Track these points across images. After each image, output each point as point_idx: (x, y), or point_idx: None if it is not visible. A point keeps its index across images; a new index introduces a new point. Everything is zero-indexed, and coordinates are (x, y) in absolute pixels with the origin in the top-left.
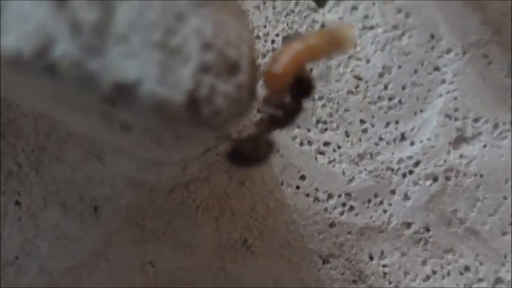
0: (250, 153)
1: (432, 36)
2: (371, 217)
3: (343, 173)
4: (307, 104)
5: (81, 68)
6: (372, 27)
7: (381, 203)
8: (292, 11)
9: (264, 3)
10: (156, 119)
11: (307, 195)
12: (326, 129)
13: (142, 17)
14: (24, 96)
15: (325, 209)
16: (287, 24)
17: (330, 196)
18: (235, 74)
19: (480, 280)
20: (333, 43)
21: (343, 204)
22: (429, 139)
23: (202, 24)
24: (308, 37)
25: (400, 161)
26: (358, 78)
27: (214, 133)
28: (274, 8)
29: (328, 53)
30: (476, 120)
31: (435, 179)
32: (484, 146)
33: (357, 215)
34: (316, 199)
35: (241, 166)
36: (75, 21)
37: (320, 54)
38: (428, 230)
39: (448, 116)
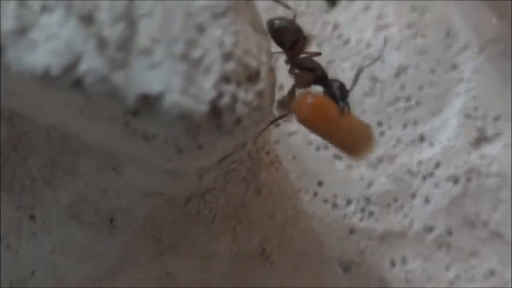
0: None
1: (448, 34)
2: (391, 222)
3: (362, 178)
4: None
5: (106, 82)
6: (386, 26)
7: (401, 207)
8: (304, 12)
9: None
10: (179, 129)
11: (326, 201)
12: None
13: (165, 30)
14: (42, 110)
15: (345, 215)
16: None
17: (348, 202)
18: (255, 82)
19: (505, 284)
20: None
21: (363, 210)
22: (449, 140)
23: (222, 34)
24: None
25: (419, 163)
26: (374, 79)
27: (235, 140)
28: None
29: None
30: (496, 119)
31: (456, 181)
32: (506, 145)
33: (377, 220)
34: (335, 205)
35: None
36: (100, 37)
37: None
38: (450, 233)
39: (467, 116)
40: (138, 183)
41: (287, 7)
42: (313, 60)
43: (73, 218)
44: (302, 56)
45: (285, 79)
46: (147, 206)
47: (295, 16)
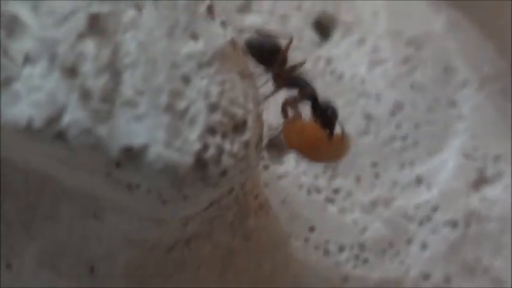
0: None
1: (446, 69)
2: (387, 269)
3: (355, 223)
4: None
5: (90, 134)
6: (381, 62)
7: (397, 253)
8: (295, 47)
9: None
10: (163, 181)
11: (317, 247)
12: (335, 175)
13: (149, 81)
14: (23, 158)
15: (337, 263)
16: None
17: (341, 248)
18: (241, 132)
19: None
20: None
21: (356, 257)
22: (447, 181)
23: (208, 84)
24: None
25: (416, 207)
26: (368, 117)
27: (221, 190)
28: None
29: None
30: (496, 159)
31: (455, 225)
32: (507, 187)
33: (371, 267)
34: (327, 252)
35: None
36: (84, 88)
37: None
38: (449, 281)
39: (466, 156)
40: (121, 230)
41: (282, 34)
42: (302, 78)
43: (51, 267)
44: (288, 70)
45: (274, 119)
46: (129, 253)
47: (291, 40)
